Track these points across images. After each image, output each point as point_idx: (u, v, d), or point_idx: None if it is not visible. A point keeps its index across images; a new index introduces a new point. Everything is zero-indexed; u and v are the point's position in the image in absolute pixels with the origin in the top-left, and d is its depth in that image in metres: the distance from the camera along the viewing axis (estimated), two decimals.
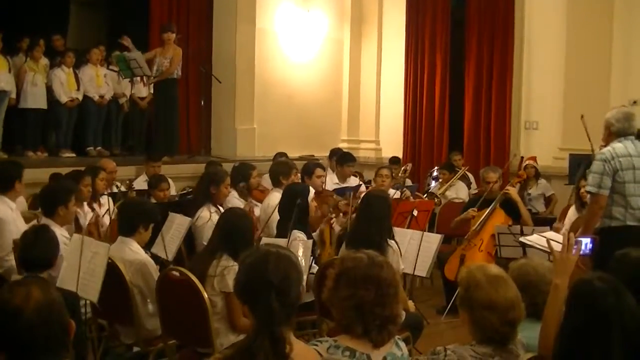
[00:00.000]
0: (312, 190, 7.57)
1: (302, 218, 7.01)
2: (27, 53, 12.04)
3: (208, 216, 7.68)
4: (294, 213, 6.86)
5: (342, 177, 10.84)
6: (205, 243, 6.71)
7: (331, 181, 10.63)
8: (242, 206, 8.32)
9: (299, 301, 3.17)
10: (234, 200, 8.66)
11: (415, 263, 7.30)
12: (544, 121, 12.50)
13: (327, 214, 7.83)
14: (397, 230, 7.17)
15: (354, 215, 7.79)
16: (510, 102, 12.89)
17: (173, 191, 10.17)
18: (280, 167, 8.89)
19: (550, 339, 3.65)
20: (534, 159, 11.66)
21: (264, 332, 2.97)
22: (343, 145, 14.04)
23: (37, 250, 5.08)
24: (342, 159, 11.11)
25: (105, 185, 8.73)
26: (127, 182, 9.70)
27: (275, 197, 7.99)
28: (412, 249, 7.30)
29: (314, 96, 14.31)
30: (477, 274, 3.63)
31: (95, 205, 8.08)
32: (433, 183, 11.53)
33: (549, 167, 11.84)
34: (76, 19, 16.08)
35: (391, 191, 9.66)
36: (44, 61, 12.21)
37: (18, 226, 6.71)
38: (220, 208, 7.87)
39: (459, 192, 11.23)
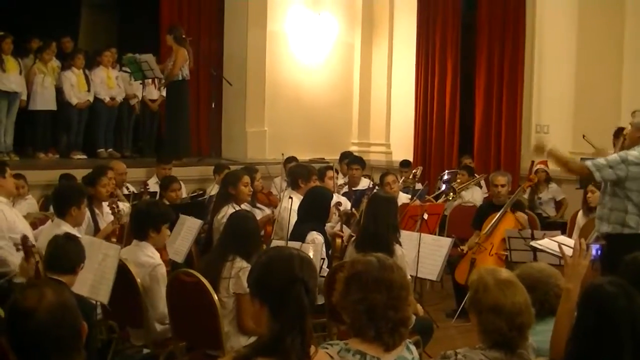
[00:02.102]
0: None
1: (322, 221, 7.06)
2: (37, 55, 12.08)
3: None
4: (315, 215, 6.92)
5: (352, 180, 10.84)
6: None
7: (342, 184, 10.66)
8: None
9: (315, 303, 3.17)
10: None
11: (422, 267, 7.31)
12: (555, 125, 12.45)
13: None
14: (406, 233, 7.18)
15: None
16: (521, 105, 12.86)
17: (184, 193, 10.19)
18: (300, 170, 8.88)
19: (562, 344, 3.64)
20: (544, 163, 11.60)
21: (295, 328, 2.96)
22: (353, 149, 14.05)
23: (64, 257, 5.10)
24: (349, 162, 11.17)
25: (114, 185, 8.75)
26: (143, 184, 9.74)
27: (288, 198, 8.01)
28: (423, 253, 7.30)
29: (324, 99, 14.32)
30: (487, 277, 3.63)
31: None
32: (443, 187, 11.52)
33: (559, 171, 11.77)
34: (87, 21, 16.15)
35: (402, 195, 9.68)
36: (54, 63, 12.25)
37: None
38: (244, 207, 7.89)
39: (474, 194, 11.23)
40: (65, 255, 5.12)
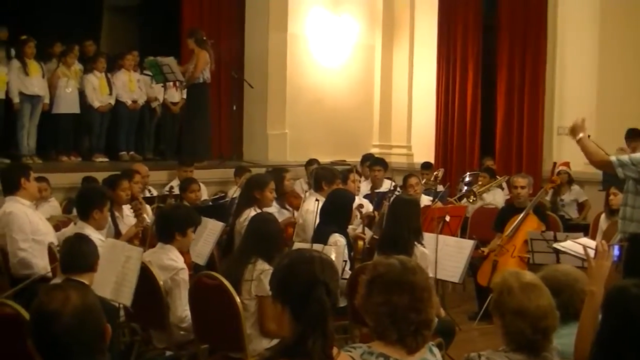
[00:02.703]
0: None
1: (344, 223, 7.06)
2: (60, 59, 12.15)
3: None
4: (337, 218, 6.93)
5: (374, 182, 10.84)
6: None
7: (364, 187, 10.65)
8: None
9: (337, 305, 3.18)
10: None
11: (444, 269, 7.29)
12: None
13: None
14: (427, 235, 7.17)
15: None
16: (542, 106, 12.81)
17: (205, 195, 10.21)
18: (325, 172, 8.87)
19: (586, 346, 3.63)
20: (566, 164, 11.57)
21: (317, 330, 2.97)
22: (375, 151, 14.03)
23: (75, 257, 5.11)
24: (370, 163, 11.17)
25: (140, 188, 8.78)
26: (169, 187, 9.79)
27: (311, 201, 8.01)
28: (445, 255, 7.29)
29: (345, 101, 14.31)
30: (511, 280, 3.61)
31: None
32: (465, 188, 11.48)
33: (582, 173, 11.71)
34: (109, 24, 16.21)
35: (423, 198, 9.65)
36: (77, 66, 12.32)
37: (32, 220, 6.76)
38: (272, 208, 7.90)
39: (496, 196, 11.18)
40: (80, 255, 5.14)
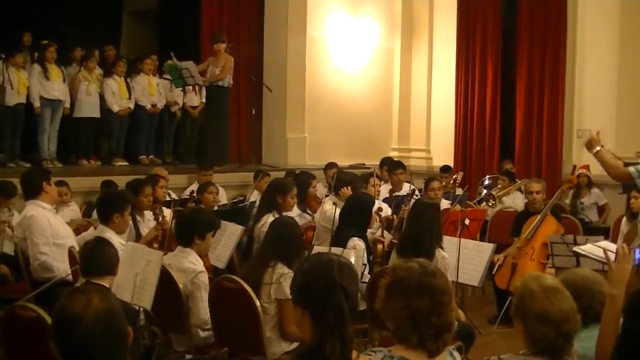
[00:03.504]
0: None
1: (363, 227, 7.07)
2: (82, 63, 12.22)
3: None
4: (356, 221, 6.94)
5: (395, 185, 10.81)
6: None
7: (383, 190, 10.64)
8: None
9: (357, 308, 3.18)
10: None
11: (463, 272, 7.28)
12: (597, 129, 12.27)
13: None
14: (447, 239, 7.16)
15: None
16: (562, 109, 12.78)
17: (224, 199, 10.23)
18: (345, 177, 8.91)
19: (608, 350, 3.61)
20: (586, 167, 11.45)
21: (334, 334, 2.97)
22: (394, 154, 14.01)
23: (95, 260, 5.13)
24: (390, 167, 11.15)
25: (164, 193, 8.82)
26: (191, 190, 9.82)
27: (329, 204, 8.03)
28: (465, 258, 7.28)
29: (364, 105, 14.31)
30: (532, 284, 3.60)
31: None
32: (484, 192, 11.46)
33: (602, 176, 11.49)
34: (128, 29, 16.31)
35: (443, 201, 9.64)
36: (98, 71, 12.39)
37: (53, 224, 6.79)
38: (293, 212, 7.92)
39: (516, 199, 11.15)
40: (101, 258, 5.14)
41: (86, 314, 2.63)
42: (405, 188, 10.78)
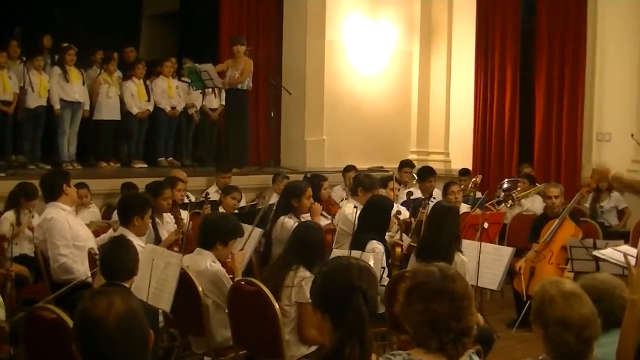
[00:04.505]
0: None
1: (382, 230, 7.08)
2: (102, 66, 12.29)
3: (292, 225, 7.74)
4: (375, 225, 6.94)
5: (425, 192, 10.68)
6: None
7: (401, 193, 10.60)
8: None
9: (376, 312, 3.19)
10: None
11: (482, 276, 7.26)
12: (617, 133, 12.27)
13: None
14: (467, 242, 7.14)
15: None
16: (581, 113, 12.72)
17: (242, 202, 10.26)
18: (364, 179, 8.90)
19: (629, 355, 3.59)
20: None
21: (354, 338, 2.98)
22: (412, 157, 13.97)
23: (115, 260, 5.14)
24: (421, 174, 11.06)
25: (182, 195, 8.84)
26: (206, 192, 9.85)
27: (348, 207, 8.03)
28: (483, 262, 7.26)
29: (383, 108, 14.31)
30: (552, 289, 3.58)
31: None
32: (503, 195, 11.41)
33: None
34: (148, 32, 16.37)
35: (463, 206, 9.61)
36: (117, 73, 12.45)
37: (72, 226, 6.81)
38: (302, 220, 7.93)
39: (535, 202, 11.09)
40: (119, 260, 5.15)
41: (108, 316, 2.64)
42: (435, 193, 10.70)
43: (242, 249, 6.73)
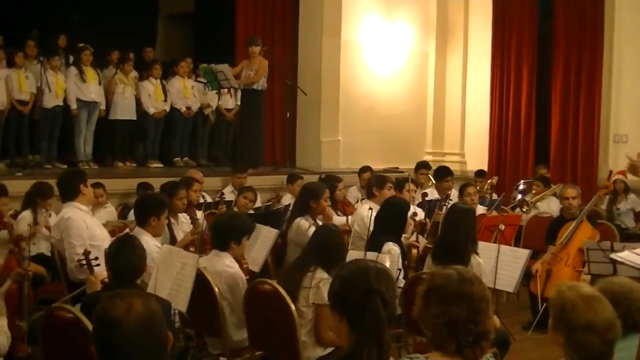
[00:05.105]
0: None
1: (399, 232, 7.07)
2: (118, 66, 12.32)
3: (307, 227, 7.75)
4: (391, 226, 6.94)
5: (442, 192, 10.69)
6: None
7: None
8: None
9: (394, 314, 3.19)
10: None
11: (499, 278, 7.24)
12: (634, 134, 12.23)
13: None
14: (483, 244, 7.13)
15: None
16: (598, 114, 12.67)
17: (258, 202, 10.26)
18: (373, 180, 8.96)
19: None
20: (623, 173, 11.38)
21: (372, 340, 2.99)
22: (428, 158, 13.96)
23: (123, 260, 5.14)
24: (438, 175, 11.07)
25: (198, 196, 8.86)
26: (220, 193, 9.86)
27: (364, 208, 8.04)
28: (500, 264, 7.24)
29: (398, 108, 14.29)
30: (570, 294, 3.56)
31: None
32: (519, 196, 11.39)
33: (638, 182, 11.56)
34: (164, 32, 16.42)
35: (479, 207, 9.59)
36: (133, 73, 12.48)
37: (89, 226, 6.81)
38: (319, 222, 7.95)
39: (551, 204, 11.05)
40: (124, 262, 5.12)
41: (127, 318, 2.64)
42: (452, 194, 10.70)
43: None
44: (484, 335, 3.20)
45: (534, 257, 8.35)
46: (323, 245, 5.82)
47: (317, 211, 8.04)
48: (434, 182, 11.25)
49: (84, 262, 5.76)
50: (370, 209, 7.68)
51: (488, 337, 3.24)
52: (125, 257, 5.10)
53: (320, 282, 5.48)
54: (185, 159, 12.82)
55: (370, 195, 8.65)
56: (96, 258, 5.69)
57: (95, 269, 5.83)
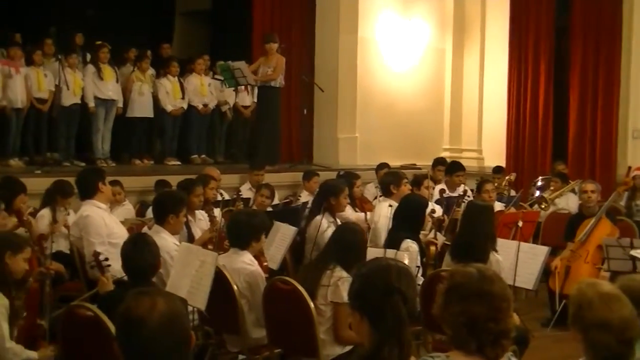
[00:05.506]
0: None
1: (417, 229, 7.06)
2: (136, 63, 12.35)
3: (326, 226, 7.75)
4: (410, 223, 6.94)
5: (452, 187, 10.72)
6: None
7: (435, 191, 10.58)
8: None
9: (415, 313, 3.18)
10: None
11: (518, 275, 7.21)
12: None
13: None
14: (502, 241, 7.10)
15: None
16: (616, 109, 12.61)
17: (275, 199, 10.26)
18: (389, 177, 8.94)
19: None
20: None
21: (393, 339, 2.99)
22: (445, 154, 13.93)
23: (138, 259, 5.16)
24: (450, 169, 11.07)
25: (215, 194, 8.86)
26: (238, 190, 9.87)
27: (384, 206, 8.03)
28: (519, 261, 7.20)
29: (415, 105, 14.27)
30: (589, 292, 3.53)
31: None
32: (537, 193, 11.33)
33: None
34: (181, 30, 16.45)
35: (497, 204, 9.56)
36: (150, 71, 12.51)
37: (108, 223, 6.83)
38: (338, 220, 7.95)
39: (569, 201, 11.00)
40: (138, 261, 5.15)
41: (151, 317, 2.64)
42: (458, 189, 10.71)
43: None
44: (504, 334, 3.19)
45: (552, 254, 8.30)
46: (343, 244, 5.81)
47: (336, 208, 8.04)
48: (445, 175, 11.22)
49: (93, 263, 5.78)
50: (390, 206, 7.66)
51: (509, 335, 3.23)
52: (140, 255, 5.13)
53: (338, 280, 5.48)
54: (203, 156, 12.85)
55: (387, 193, 8.62)
56: (107, 259, 5.70)
57: (115, 265, 5.86)
